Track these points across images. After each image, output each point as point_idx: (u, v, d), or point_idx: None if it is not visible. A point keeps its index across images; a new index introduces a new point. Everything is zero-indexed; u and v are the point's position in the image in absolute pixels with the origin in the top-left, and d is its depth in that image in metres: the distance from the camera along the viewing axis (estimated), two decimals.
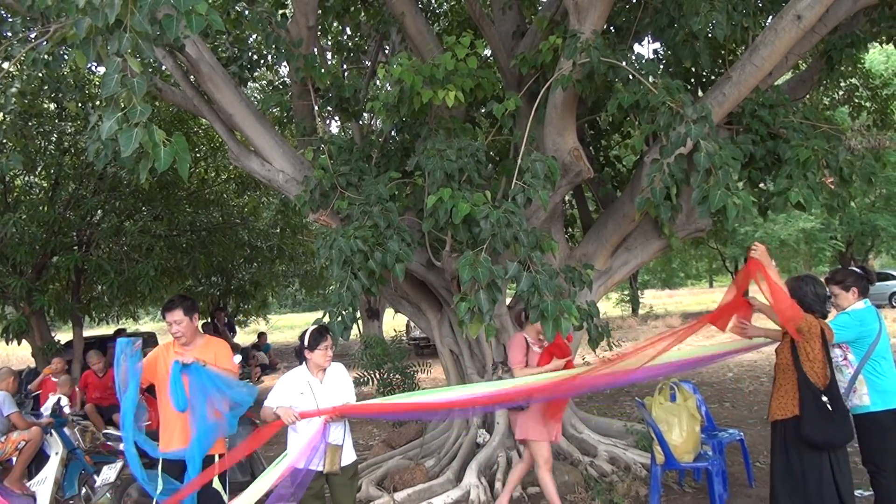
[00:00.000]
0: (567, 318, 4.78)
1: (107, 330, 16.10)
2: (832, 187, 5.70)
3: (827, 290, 4.41)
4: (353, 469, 4.60)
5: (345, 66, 9.82)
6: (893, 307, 23.45)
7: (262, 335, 20.03)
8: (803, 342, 4.15)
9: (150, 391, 4.82)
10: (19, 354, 19.99)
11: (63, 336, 13.15)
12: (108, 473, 5.93)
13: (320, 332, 4.53)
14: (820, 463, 4.09)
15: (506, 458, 6.59)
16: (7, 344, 10.82)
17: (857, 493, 4.91)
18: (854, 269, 4.69)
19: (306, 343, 4.51)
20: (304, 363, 4.57)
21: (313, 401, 4.40)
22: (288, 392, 4.49)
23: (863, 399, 4.36)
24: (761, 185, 6.31)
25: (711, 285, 50.64)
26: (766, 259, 4.41)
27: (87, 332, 12.72)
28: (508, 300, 7.33)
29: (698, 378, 11.57)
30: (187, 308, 4.64)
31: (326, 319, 5.12)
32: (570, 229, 9.17)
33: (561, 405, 5.44)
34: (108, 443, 6.33)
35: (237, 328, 17.85)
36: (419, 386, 9.71)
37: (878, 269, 29.60)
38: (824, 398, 4.07)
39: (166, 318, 4.61)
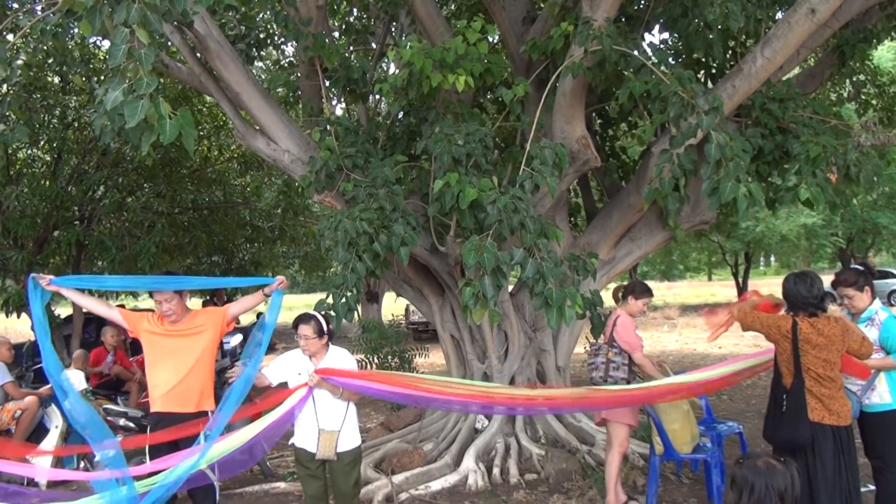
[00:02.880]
0: (571, 307, 4.78)
1: None
2: (834, 182, 5.68)
3: (823, 288, 4.26)
4: (353, 455, 4.50)
5: (351, 48, 9.76)
6: (893, 305, 23.48)
7: (260, 315, 20.02)
8: (776, 344, 4.14)
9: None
10: (18, 328, 19.99)
11: (62, 311, 13.14)
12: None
13: (299, 320, 4.46)
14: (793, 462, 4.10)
15: (504, 445, 6.61)
16: (7, 317, 10.82)
17: None
18: (857, 267, 4.69)
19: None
20: None
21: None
22: (287, 369, 4.49)
23: (883, 397, 4.37)
24: (769, 178, 6.28)
25: (710, 278, 50.73)
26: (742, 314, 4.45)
27: None
28: (510, 288, 7.32)
29: None
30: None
31: (330, 300, 5.11)
32: (574, 218, 9.15)
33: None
34: (109, 418, 6.33)
35: None
36: (417, 370, 9.73)
37: (878, 266, 29.62)
38: (785, 399, 4.07)
39: (155, 297, 4.58)
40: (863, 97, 10.63)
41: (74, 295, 4.60)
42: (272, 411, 4.43)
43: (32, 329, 11.04)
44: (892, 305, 23.47)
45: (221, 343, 12.95)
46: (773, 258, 41.67)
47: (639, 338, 5.30)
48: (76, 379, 7.22)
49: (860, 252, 26.90)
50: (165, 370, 4.55)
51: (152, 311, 4.69)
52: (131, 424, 6.25)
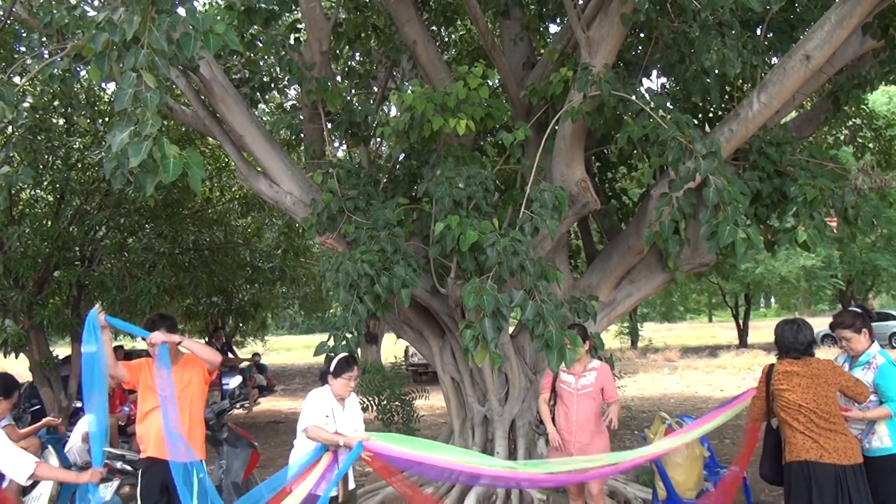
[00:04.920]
0: (571, 349, 4.78)
1: None
2: (835, 230, 5.73)
3: (814, 333, 4.38)
4: (353, 495, 4.63)
5: (353, 92, 9.91)
6: (894, 347, 23.38)
7: (255, 356, 19.92)
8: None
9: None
10: (15, 368, 19.88)
11: (60, 351, 13.07)
12: (104, 492, 5.86)
13: (347, 362, 4.56)
14: None
15: (505, 489, 6.52)
16: (5, 357, 10.76)
17: None
18: (855, 309, 4.70)
19: (332, 369, 4.54)
20: (326, 386, 4.58)
21: (334, 426, 4.43)
22: (318, 412, 4.51)
23: (883, 441, 4.34)
24: (768, 221, 6.32)
25: (710, 320, 50.53)
26: None
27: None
28: (511, 330, 7.31)
29: (698, 414, 11.49)
30: (167, 328, 4.63)
31: (331, 343, 5.11)
32: (574, 260, 9.18)
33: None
34: (106, 461, 6.26)
35: (234, 348, 17.77)
36: (416, 414, 9.65)
37: (878, 308, 29.61)
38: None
39: (146, 338, 4.61)
40: (859, 140, 10.76)
41: (108, 336, 4.60)
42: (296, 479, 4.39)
43: (30, 370, 10.97)
44: (893, 348, 23.37)
45: (221, 385, 12.84)
46: (773, 300, 41.63)
47: (544, 383, 5.42)
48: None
49: (860, 294, 26.92)
50: (157, 416, 4.56)
51: (148, 355, 4.72)
52: (128, 468, 6.18)
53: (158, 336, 4.45)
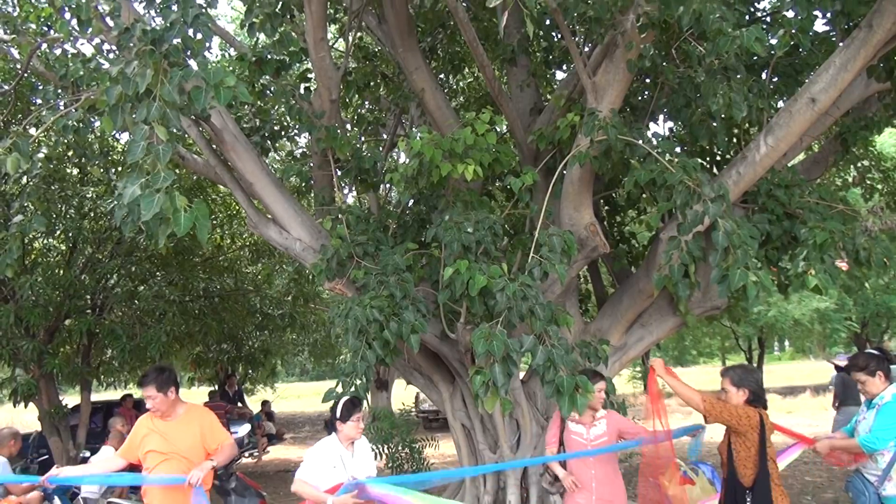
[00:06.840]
0: (583, 394, 4.72)
1: (114, 395, 15.98)
2: (844, 269, 5.69)
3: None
4: None
5: (363, 139, 10.03)
6: None
7: (265, 403, 19.80)
8: (736, 437, 4.13)
9: None
10: (24, 418, 19.81)
11: (69, 400, 13.04)
12: None
13: (353, 404, 4.50)
14: None
15: None
16: (14, 406, 10.73)
17: None
18: (872, 351, 4.66)
19: (338, 414, 4.46)
20: (333, 434, 4.51)
21: (345, 474, 4.33)
22: (321, 465, 4.40)
23: None
24: (779, 263, 6.29)
25: (724, 363, 49.95)
26: (660, 368, 4.73)
27: (93, 397, 12.62)
28: (522, 374, 7.24)
29: (715, 461, 11.26)
30: (161, 384, 4.58)
31: (339, 389, 5.07)
32: (584, 304, 9.13)
33: None
34: None
35: (245, 397, 17.67)
36: (426, 462, 9.52)
37: (894, 350, 29.21)
38: (748, 497, 3.99)
39: (143, 393, 4.62)
40: (868, 182, 10.75)
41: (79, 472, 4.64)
42: None
43: (39, 419, 10.95)
44: None
45: (230, 433, 12.73)
46: (787, 343, 41.17)
47: (550, 436, 5.17)
48: (109, 455, 7.12)
49: (875, 336, 26.61)
50: (162, 470, 4.53)
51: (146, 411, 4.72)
52: None
53: (196, 474, 4.35)
